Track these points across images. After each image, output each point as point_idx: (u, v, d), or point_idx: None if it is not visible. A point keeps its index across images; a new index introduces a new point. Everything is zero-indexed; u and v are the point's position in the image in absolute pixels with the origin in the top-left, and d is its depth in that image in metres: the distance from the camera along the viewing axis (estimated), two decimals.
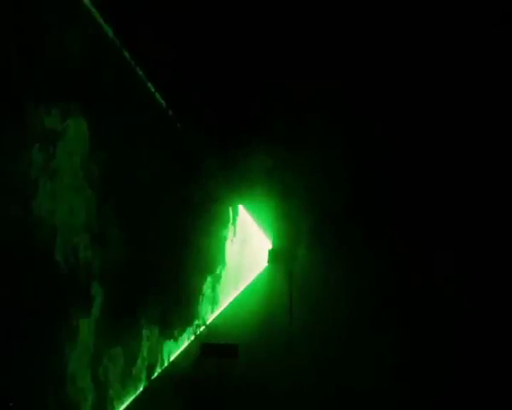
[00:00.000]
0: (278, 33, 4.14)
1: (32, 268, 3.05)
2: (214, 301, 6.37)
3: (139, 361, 4.35)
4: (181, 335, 5.44)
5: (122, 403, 4.03)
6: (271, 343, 5.70)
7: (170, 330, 5.38)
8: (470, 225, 5.81)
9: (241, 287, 6.82)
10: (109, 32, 3.94)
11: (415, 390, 4.33)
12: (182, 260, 6.07)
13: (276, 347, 5.59)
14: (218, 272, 6.66)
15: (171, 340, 5.26)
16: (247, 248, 7.12)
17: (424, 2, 3.62)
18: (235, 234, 7.05)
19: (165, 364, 4.86)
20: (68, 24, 3.36)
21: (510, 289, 5.47)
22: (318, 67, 4.61)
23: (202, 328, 5.75)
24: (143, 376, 4.36)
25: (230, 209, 6.92)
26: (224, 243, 6.88)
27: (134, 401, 4.13)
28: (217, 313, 6.19)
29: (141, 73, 4.63)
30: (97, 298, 3.76)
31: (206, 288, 6.44)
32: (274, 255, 6.31)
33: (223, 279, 6.72)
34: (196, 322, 5.83)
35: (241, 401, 4.16)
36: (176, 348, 5.23)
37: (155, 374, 4.62)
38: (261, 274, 6.69)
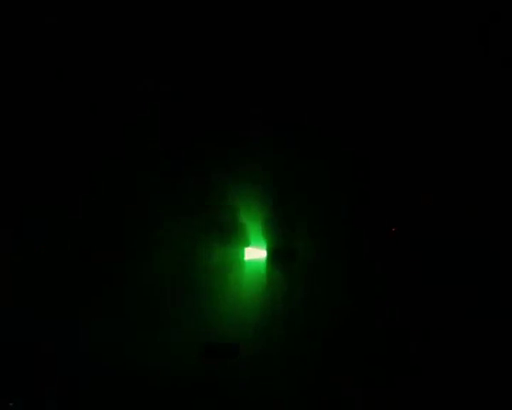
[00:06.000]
0: (279, 34, 4.14)
1: None
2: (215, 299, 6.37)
3: None
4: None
5: None
6: (271, 343, 5.69)
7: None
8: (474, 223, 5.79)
9: (241, 285, 6.81)
10: None
11: (415, 388, 4.34)
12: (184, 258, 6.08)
13: (277, 346, 5.58)
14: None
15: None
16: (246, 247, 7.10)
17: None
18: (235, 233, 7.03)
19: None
20: None
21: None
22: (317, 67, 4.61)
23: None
24: None
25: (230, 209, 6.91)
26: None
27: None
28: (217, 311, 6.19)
29: None
30: None
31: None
32: (273, 254, 6.29)
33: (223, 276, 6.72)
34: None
35: (240, 400, 4.16)
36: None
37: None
38: (261, 273, 6.67)
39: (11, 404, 3.54)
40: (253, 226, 6.86)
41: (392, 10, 4.90)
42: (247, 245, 6.97)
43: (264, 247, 6.28)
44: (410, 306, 5.99)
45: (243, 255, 7.07)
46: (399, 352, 5.09)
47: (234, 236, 7.07)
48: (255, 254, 7.03)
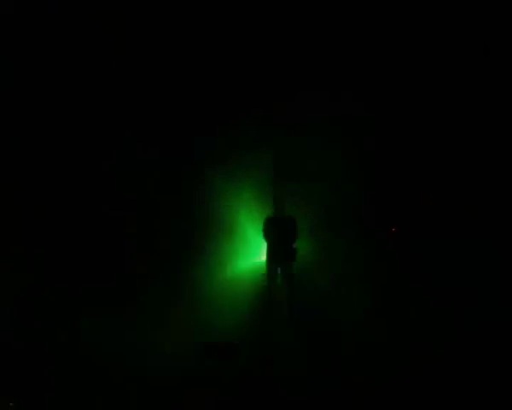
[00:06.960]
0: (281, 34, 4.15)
1: None
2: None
3: None
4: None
5: None
6: (271, 343, 5.70)
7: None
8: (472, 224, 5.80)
9: (240, 285, 6.82)
10: None
11: (416, 388, 4.35)
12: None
13: (276, 346, 5.59)
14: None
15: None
16: (246, 247, 7.12)
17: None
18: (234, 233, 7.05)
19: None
20: None
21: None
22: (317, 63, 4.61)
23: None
24: None
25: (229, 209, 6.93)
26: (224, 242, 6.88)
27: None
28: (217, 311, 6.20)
29: None
30: None
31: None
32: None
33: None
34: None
35: (240, 400, 4.16)
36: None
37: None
38: (260, 273, 6.68)
39: (11, 404, 3.53)
40: (254, 226, 6.87)
41: (391, 11, 4.91)
42: (247, 245, 6.98)
43: (265, 246, 6.28)
44: (409, 305, 5.99)
45: (243, 255, 7.09)
46: (400, 352, 5.09)
47: (233, 236, 7.07)
48: (255, 253, 7.04)
